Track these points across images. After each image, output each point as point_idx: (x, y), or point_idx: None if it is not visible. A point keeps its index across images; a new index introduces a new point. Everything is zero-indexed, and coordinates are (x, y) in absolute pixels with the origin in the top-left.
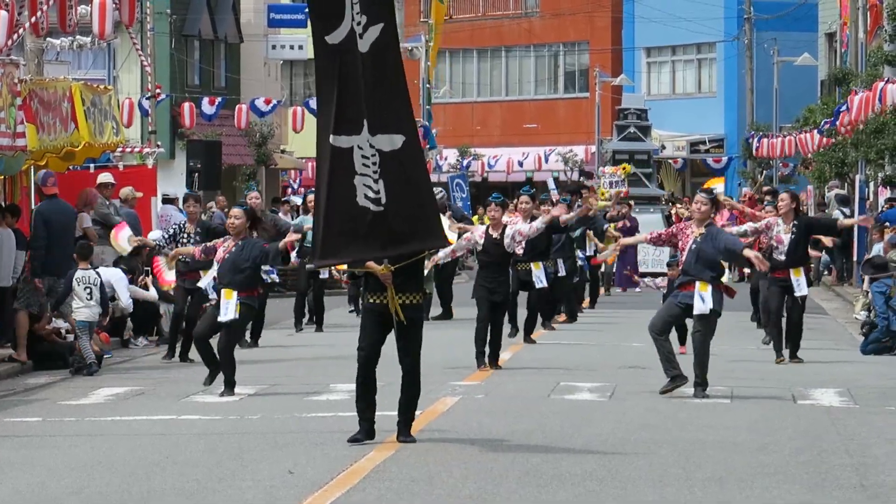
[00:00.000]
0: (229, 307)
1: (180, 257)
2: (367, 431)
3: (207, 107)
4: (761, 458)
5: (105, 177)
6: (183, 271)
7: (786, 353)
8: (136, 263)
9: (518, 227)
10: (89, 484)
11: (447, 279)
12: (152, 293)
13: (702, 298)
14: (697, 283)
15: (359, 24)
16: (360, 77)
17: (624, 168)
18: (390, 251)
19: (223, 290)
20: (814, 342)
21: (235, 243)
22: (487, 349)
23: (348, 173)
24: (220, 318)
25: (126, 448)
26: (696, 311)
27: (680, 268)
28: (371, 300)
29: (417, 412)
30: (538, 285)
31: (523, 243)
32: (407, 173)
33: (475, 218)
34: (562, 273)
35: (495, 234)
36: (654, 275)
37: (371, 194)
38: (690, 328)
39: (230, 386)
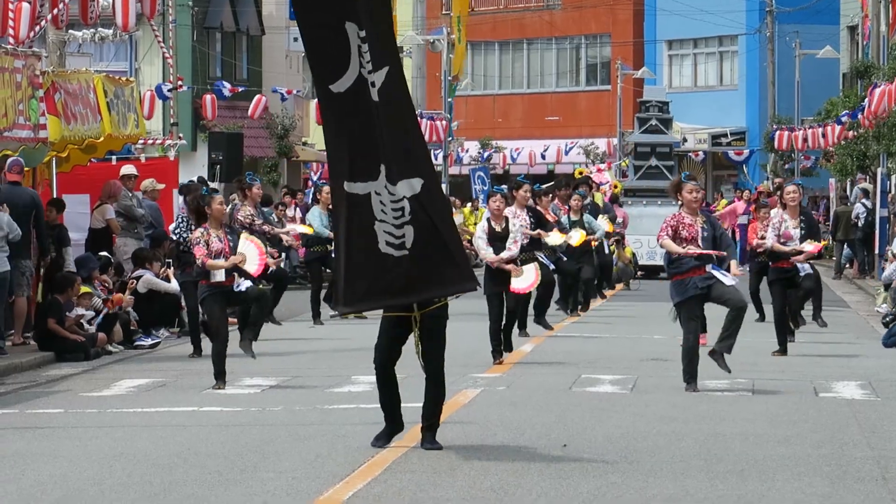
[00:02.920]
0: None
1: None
2: (389, 434)
3: (227, 92)
4: (782, 450)
5: (128, 169)
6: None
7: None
8: (158, 254)
9: (519, 227)
10: (111, 475)
11: None
12: (174, 285)
13: (718, 270)
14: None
15: (370, 71)
16: (375, 125)
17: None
18: (414, 297)
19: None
20: (835, 335)
21: (225, 231)
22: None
23: (367, 221)
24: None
25: (147, 439)
26: (728, 283)
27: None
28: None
29: None
30: None
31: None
32: (429, 216)
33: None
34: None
35: (498, 228)
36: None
37: (393, 240)
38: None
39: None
